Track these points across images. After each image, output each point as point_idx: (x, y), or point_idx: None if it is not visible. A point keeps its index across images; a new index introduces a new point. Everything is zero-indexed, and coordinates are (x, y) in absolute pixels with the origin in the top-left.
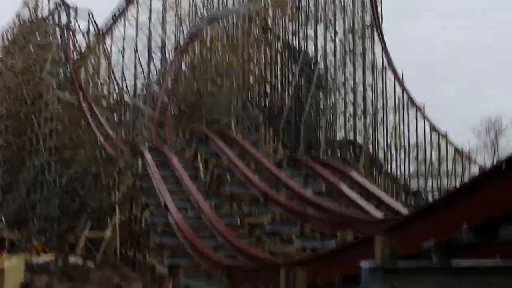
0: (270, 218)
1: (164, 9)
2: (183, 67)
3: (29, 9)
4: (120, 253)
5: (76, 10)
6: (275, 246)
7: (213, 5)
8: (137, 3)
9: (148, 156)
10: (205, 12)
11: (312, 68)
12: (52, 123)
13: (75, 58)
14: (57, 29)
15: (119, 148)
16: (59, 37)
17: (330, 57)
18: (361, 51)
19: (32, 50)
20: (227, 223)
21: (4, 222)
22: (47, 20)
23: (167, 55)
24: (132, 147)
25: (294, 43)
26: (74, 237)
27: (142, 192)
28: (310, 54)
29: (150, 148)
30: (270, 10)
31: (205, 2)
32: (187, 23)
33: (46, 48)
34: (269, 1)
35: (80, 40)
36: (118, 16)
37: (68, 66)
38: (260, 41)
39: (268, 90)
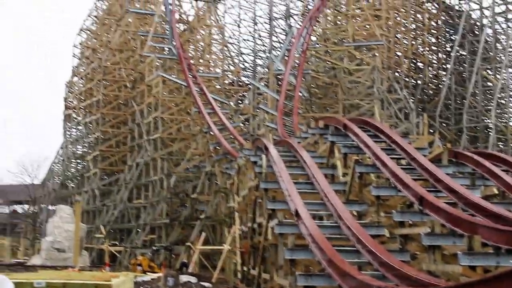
0: (428, 229)
1: None
2: (313, 38)
3: None
4: (242, 271)
5: None
6: (435, 264)
7: None
8: None
9: (273, 151)
10: None
11: (478, 35)
12: (156, 111)
13: (182, 30)
14: None
15: (238, 141)
16: (162, 5)
17: (501, 20)
18: None
19: (130, 21)
20: (374, 234)
21: (103, 231)
22: None
23: (292, 25)
24: (253, 140)
25: (453, 3)
26: (185, 250)
27: (267, 195)
28: (474, 17)
29: (275, 141)
30: None
31: None
32: None
33: (148, 19)
34: None
35: (187, 8)
36: None
37: (173, 41)
38: (409, 3)
39: (420, 65)
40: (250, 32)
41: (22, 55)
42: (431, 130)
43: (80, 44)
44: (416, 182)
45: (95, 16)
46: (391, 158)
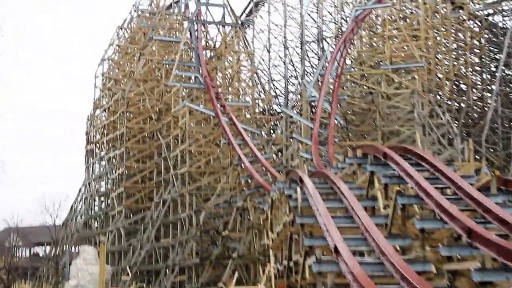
0: (478, 264)
1: None
2: (348, 62)
3: None
4: None
5: None
6: None
7: None
8: None
9: (308, 183)
10: None
11: None
12: (183, 143)
13: (209, 57)
14: (185, 22)
15: (270, 173)
16: (187, 32)
17: None
18: None
19: (154, 49)
20: (420, 271)
21: (130, 273)
22: (171, 11)
23: (325, 48)
24: (287, 172)
25: (496, 19)
26: None
27: (303, 231)
28: None
29: (311, 173)
30: None
31: None
32: (350, 1)
33: (172, 47)
34: None
35: (214, 34)
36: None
37: (200, 69)
38: (449, 21)
39: (463, 87)
40: (280, 58)
41: (45, 87)
42: (477, 157)
43: (102, 75)
44: (464, 213)
45: (117, 45)
46: (436, 187)
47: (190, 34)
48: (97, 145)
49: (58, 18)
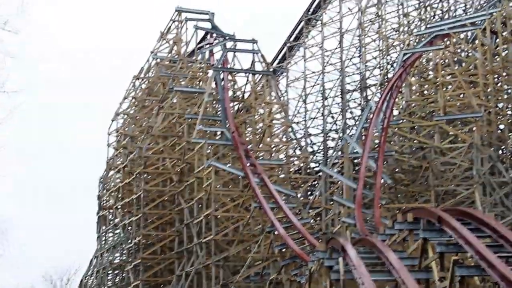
0: None
1: (360, 26)
2: (395, 112)
3: (169, 44)
4: None
5: (235, 39)
6: None
7: (435, 13)
8: (321, 23)
9: (352, 253)
10: (422, 25)
11: None
12: (209, 208)
13: (237, 110)
14: (209, 70)
15: (308, 241)
16: (212, 81)
17: None
18: None
19: (175, 102)
20: None
21: None
22: (194, 58)
23: (369, 97)
24: (327, 240)
25: None
26: None
27: None
28: None
29: (354, 240)
30: None
31: (423, 10)
32: (397, 44)
33: (196, 98)
34: None
35: (242, 83)
36: (293, 44)
37: (227, 123)
38: (510, 63)
39: None
40: (318, 109)
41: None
42: None
43: (116, 131)
44: None
45: (133, 98)
46: (499, 256)
47: (216, 84)
48: (111, 210)
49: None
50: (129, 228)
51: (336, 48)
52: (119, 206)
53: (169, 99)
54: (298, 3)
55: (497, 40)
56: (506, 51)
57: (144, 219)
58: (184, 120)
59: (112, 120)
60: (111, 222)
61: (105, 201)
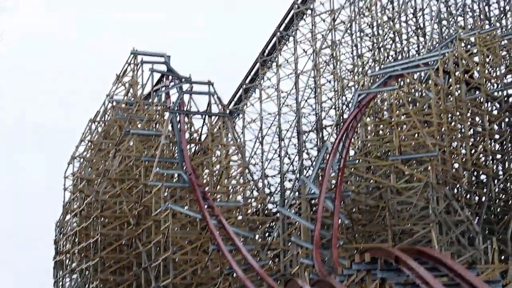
0: None
1: (315, 67)
2: (351, 152)
3: (125, 87)
4: None
5: (191, 81)
6: None
7: (388, 54)
8: (277, 64)
9: None
10: (376, 65)
11: None
12: (167, 251)
13: (194, 152)
14: (166, 112)
15: (267, 283)
16: (169, 124)
17: None
18: None
19: (132, 144)
20: None
21: None
22: (150, 100)
23: (325, 137)
24: (286, 281)
25: None
26: None
27: None
28: None
29: (313, 282)
30: (476, 56)
31: (377, 51)
32: (351, 85)
33: (153, 141)
34: (474, 40)
35: (199, 125)
36: (248, 86)
37: (184, 165)
38: (465, 104)
39: (483, 178)
40: (275, 150)
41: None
42: (503, 257)
43: (72, 174)
44: None
45: (90, 141)
46: None
47: (172, 126)
48: (68, 255)
49: None
50: (86, 273)
51: (292, 89)
52: (76, 251)
53: (125, 142)
54: (254, 45)
55: (450, 79)
56: (459, 91)
57: (101, 263)
58: (141, 163)
59: (68, 164)
60: (68, 267)
61: (61, 246)
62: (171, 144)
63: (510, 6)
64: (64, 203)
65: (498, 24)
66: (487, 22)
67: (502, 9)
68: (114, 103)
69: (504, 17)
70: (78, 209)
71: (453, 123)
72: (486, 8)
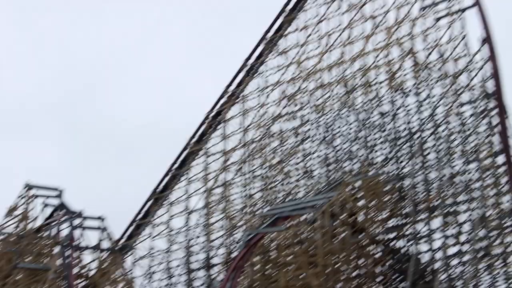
0: None
1: (206, 206)
2: None
3: (16, 220)
4: None
5: (82, 216)
6: None
7: (278, 195)
8: (169, 202)
9: None
10: (266, 206)
11: (431, 281)
12: None
13: (83, 287)
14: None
15: None
16: (58, 258)
17: (455, 263)
18: None
19: (18, 278)
20: None
21: None
22: (41, 233)
23: (214, 275)
24: None
25: (400, 245)
26: None
27: None
28: (424, 261)
29: None
30: (361, 200)
31: (265, 193)
32: (240, 225)
33: (41, 275)
34: (358, 185)
35: (89, 260)
36: (140, 222)
37: None
38: (348, 247)
39: None
40: (165, 287)
41: None
42: None
43: None
44: None
45: None
46: None
47: (62, 260)
48: None
49: None
50: None
51: (183, 227)
52: None
53: (13, 275)
54: (147, 183)
55: (336, 222)
56: (344, 233)
57: None
58: None
59: None
60: None
61: None
62: (59, 279)
63: (392, 154)
64: None
65: (382, 170)
66: (372, 168)
67: (385, 157)
68: (4, 236)
69: (387, 163)
70: None
71: (338, 265)
72: (371, 155)
